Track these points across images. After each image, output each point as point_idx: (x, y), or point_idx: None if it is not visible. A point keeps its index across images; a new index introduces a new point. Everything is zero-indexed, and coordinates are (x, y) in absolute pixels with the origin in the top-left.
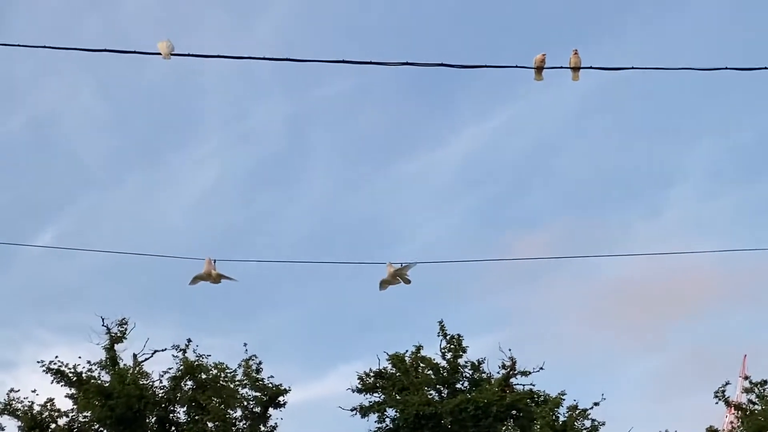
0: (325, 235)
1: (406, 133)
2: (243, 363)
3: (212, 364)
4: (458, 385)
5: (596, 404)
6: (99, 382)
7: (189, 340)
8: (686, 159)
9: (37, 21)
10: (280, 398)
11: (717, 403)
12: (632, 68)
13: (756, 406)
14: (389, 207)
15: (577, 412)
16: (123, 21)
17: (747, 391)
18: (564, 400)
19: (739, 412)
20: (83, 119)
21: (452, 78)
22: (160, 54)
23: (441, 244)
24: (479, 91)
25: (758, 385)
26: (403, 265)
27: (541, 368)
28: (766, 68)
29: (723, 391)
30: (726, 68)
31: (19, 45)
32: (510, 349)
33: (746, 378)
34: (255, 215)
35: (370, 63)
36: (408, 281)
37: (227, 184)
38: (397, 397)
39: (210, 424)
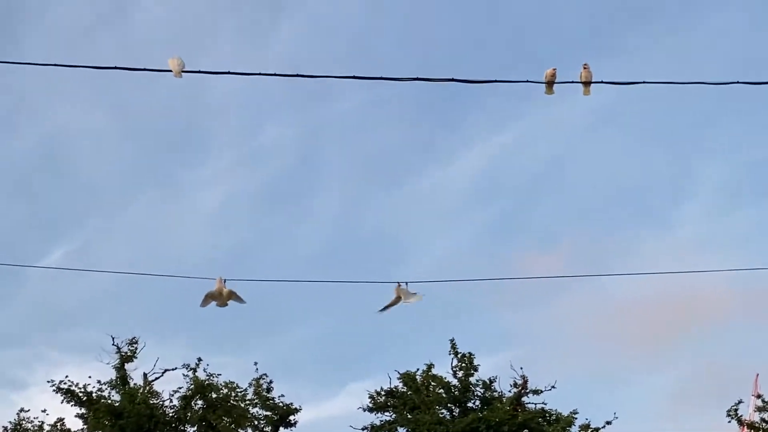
0: (336, 252)
1: (417, 150)
2: (253, 382)
3: (223, 383)
4: (470, 404)
5: (608, 423)
6: (109, 401)
7: (199, 359)
8: (699, 174)
9: (49, 39)
10: (291, 417)
11: (730, 421)
12: (643, 83)
13: None
14: (400, 224)
15: (590, 430)
16: (134, 39)
17: (759, 409)
18: (576, 418)
19: (752, 431)
20: (94, 137)
21: (463, 94)
22: (170, 71)
23: (452, 261)
24: (490, 107)
25: None
26: (410, 291)
27: (553, 387)
28: None
29: (735, 410)
30: (738, 82)
31: (29, 63)
32: (521, 368)
33: (759, 396)
34: (266, 233)
35: (380, 78)
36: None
37: (238, 202)
38: (409, 416)
39: None
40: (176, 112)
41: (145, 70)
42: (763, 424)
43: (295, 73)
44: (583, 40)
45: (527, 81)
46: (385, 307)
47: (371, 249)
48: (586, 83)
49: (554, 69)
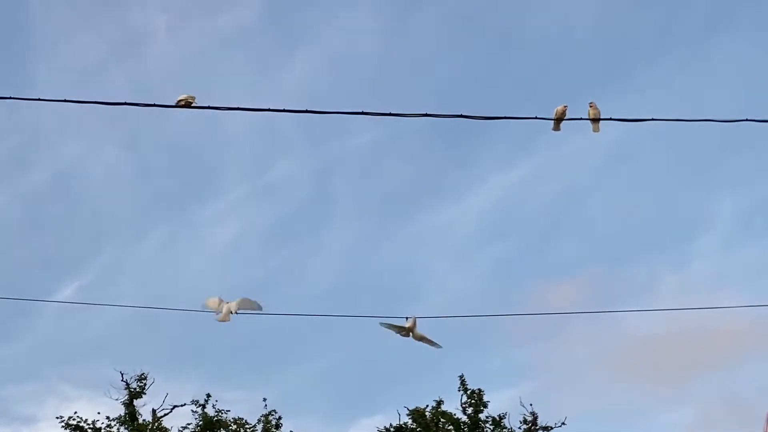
0: (348, 287)
1: (429, 185)
2: (263, 418)
3: (232, 420)
4: None
5: None
6: None
7: (208, 395)
8: (713, 210)
9: (61, 73)
10: None
11: None
12: (652, 119)
13: None
14: (412, 259)
15: None
16: (147, 73)
17: None
18: None
19: None
20: (106, 172)
21: (474, 130)
22: (179, 107)
23: (464, 297)
24: (501, 143)
25: None
26: (429, 337)
27: (563, 423)
28: None
29: None
30: (747, 120)
31: (40, 99)
32: (531, 404)
33: None
34: (277, 268)
35: (389, 114)
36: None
37: (250, 237)
38: None
39: None
40: (188, 146)
41: (154, 105)
42: None
43: (305, 109)
44: (594, 77)
45: (536, 117)
46: (390, 326)
47: (383, 285)
48: (595, 120)
49: (565, 106)
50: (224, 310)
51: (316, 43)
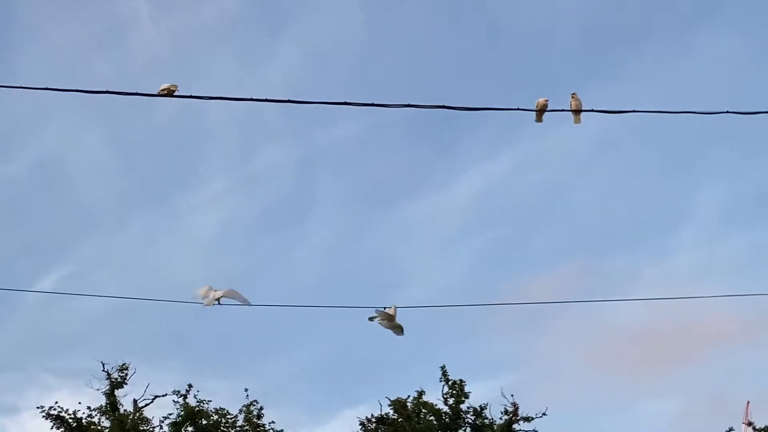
0: (332, 278)
1: (413, 176)
2: (244, 408)
3: (213, 410)
4: (460, 431)
5: None
6: (99, 428)
7: (190, 386)
8: (694, 201)
9: (45, 62)
10: None
11: None
12: (633, 111)
13: None
14: (396, 250)
15: None
16: (131, 63)
17: None
18: None
19: None
20: (88, 161)
21: (458, 121)
22: (161, 96)
23: (448, 287)
24: (485, 134)
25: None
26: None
27: (544, 414)
28: (766, 112)
29: None
30: (728, 112)
31: (21, 87)
32: (512, 395)
33: (750, 424)
34: (260, 259)
35: (372, 105)
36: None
37: (233, 227)
38: None
39: None
40: (171, 135)
41: (136, 94)
42: None
43: (288, 99)
44: (577, 68)
45: (518, 109)
46: (375, 317)
47: (367, 275)
48: (576, 111)
49: (546, 100)
50: (210, 296)
51: (301, 33)
